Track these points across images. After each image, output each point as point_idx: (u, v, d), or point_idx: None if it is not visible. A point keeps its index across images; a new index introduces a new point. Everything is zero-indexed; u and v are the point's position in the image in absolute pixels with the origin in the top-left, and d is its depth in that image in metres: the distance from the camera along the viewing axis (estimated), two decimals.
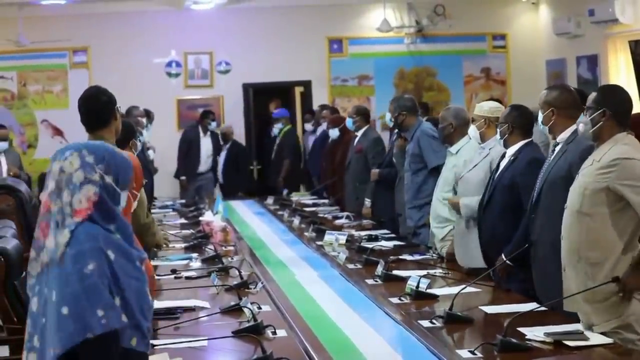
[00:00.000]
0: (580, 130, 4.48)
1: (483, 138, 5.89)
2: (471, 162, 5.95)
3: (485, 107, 5.98)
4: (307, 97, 14.08)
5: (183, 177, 12.85)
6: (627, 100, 4.40)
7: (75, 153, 2.99)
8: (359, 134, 9.30)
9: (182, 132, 13.12)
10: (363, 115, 9.42)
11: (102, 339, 2.86)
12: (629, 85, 10.99)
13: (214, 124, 12.90)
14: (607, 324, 4.20)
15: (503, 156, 5.50)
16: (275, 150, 12.76)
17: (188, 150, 12.79)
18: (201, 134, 12.84)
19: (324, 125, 11.39)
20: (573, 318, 4.39)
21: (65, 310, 2.84)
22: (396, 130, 8.25)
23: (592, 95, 4.42)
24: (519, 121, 5.45)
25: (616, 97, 4.40)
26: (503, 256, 5.12)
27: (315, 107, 13.42)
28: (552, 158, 4.91)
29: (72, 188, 2.95)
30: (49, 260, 2.92)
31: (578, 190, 4.32)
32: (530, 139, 5.47)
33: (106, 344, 2.87)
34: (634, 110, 4.49)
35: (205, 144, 12.83)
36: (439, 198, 6.37)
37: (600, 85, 11.58)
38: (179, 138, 12.97)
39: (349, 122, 9.48)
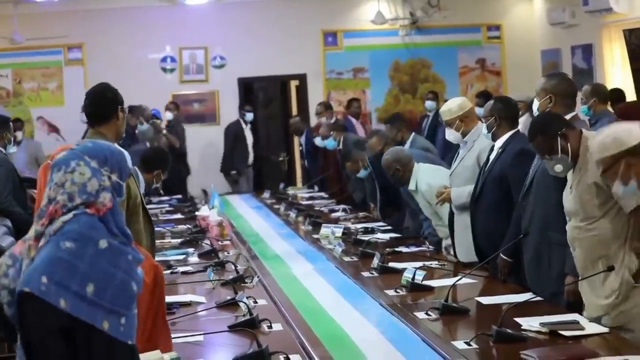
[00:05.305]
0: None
1: (463, 134, 5.87)
2: (458, 158, 5.94)
3: (454, 108, 5.90)
4: (302, 90, 14.05)
5: (234, 171, 12.88)
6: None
7: (81, 162, 2.99)
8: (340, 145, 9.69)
9: (225, 127, 13.19)
10: (338, 127, 10.08)
11: (36, 301, 2.85)
12: (624, 74, 10.97)
13: (249, 115, 12.91)
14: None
15: (492, 149, 5.50)
16: None
17: (235, 144, 12.82)
18: (244, 126, 12.91)
19: (322, 121, 11.40)
20: (568, 308, 4.40)
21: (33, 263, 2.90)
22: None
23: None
24: (505, 112, 5.45)
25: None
26: (501, 255, 5.09)
27: (310, 100, 13.42)
28: None
29: (85, 198, 2.96)
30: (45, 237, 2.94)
31: (574, 201, 4.28)
32: (517, 129, 5.48)
33: (35, 306, 2.86)
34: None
35: (248, 136, 12.96)
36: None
37: (595, 74, 11.61)
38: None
39: (330, 143, 10.00)
